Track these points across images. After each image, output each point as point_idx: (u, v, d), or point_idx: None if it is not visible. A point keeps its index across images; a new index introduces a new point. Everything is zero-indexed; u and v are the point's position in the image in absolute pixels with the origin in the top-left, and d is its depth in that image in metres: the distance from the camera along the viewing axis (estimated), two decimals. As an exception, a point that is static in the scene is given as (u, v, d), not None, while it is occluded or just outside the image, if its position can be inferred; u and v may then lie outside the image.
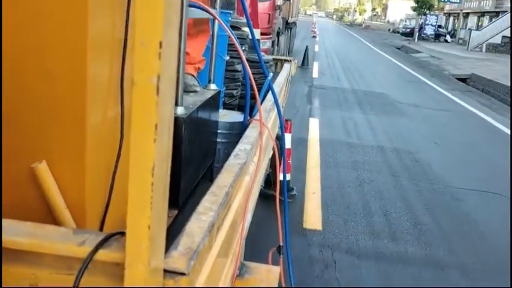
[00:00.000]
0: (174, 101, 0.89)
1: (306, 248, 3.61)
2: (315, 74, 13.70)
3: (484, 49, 28.87)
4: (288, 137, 4.22)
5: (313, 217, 4.13)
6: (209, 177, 2.16)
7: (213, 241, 1.17)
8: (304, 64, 14.74)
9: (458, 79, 15.83)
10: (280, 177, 2.62)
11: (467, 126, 8.64)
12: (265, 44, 8.67)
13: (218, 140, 2.32)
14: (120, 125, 1.24)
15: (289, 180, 4.41)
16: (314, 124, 7.46)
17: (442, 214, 4.47)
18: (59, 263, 0.91)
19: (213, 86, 2.29)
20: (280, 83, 3.32)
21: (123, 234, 0.92)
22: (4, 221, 0.92)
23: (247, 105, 2.37)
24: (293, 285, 1.92)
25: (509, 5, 29.96)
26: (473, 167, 6.10)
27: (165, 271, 0.92)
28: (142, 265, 0.83)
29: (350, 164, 5.73)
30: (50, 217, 1.12)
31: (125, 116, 1.24)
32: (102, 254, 0.88)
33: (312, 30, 34.64)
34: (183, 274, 0.92)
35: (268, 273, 1.96)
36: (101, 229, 1.22)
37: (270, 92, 2.50)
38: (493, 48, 28.87)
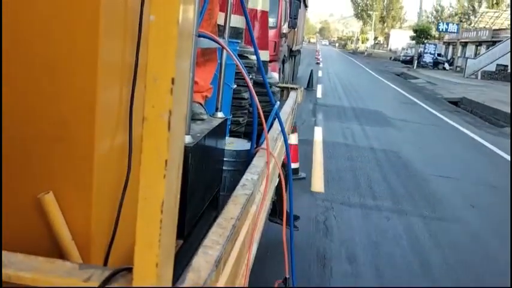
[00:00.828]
0: (184, 135, 0.87)
1: (312, 201, 5.19)
2: (319, 95, 15.27)
3: (479, 76, 29.11)
4: (295, 136, 5.57)
5: (318, 185, 5.72)
6: (215, 205, 2.13)
7: (220, 275, 1.13)
8: (309, 86, 15.95)
9: (450, 102, 16.50)
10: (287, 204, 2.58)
11: (448, 136, 10.15)
12: (271, 72, 8.73)
13: (224, 167, 2.29)
14: (128, 153, 1.22)
15: (297, 168, 5.80)
16: (318, 131, 9.11)
17: (413, 188, 5.98)
18: (64, 299, 0.88)
19: (220, 114, 2.27)
20: (286, 112, 3.31)
21: (129, 270, 0.88)
22: (8, 254, 0.89)
23: (254, 134, 2.34)
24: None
25: (507, 35, 30.29)
26: (445, 163, 7.57)
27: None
28: (149, 305, 0.80)
29: (346, 157, 7.33)
30: (55, 248, 1.09)
31: (133, 146, 1.22)
32: (108, 291, 0.84)
33: (315, 57, 34.95)
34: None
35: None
36: (106, 261, 1.19)
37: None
38: (488, 76, 29.14)
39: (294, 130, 5.22)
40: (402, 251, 4.14)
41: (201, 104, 2.24)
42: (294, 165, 5.55)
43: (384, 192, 5.72)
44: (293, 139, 5.47)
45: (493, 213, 5.45)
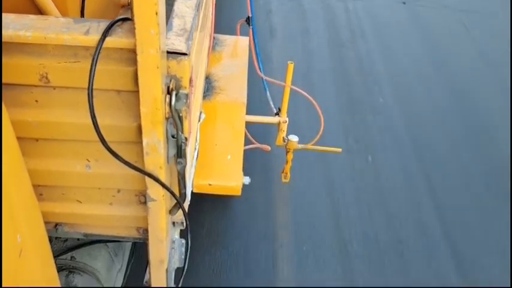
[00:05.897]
0: None
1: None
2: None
3: None
4: None
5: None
6: None
7: (199, 20, 1.17)
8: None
9: None
10: None
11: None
12: None
13: None
14: None
15: None
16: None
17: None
18: (65, 52, 0.91)
19: None
20: None
21: (125, 20, 0.91)
22: (4, 16, 0.87)
23: None
24: (258, 51, 1.98)
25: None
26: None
27: (168, 53, 0.94)
28: (154, 50, 0.85)
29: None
30: (34, 8, 1.06)
31: None
32: (110, 42, 0.87)
33: None
34: (184, 54, 0.96)
35: (237, 43, 2.01)
36: (82, 13, 1.18)
37: None
38: None
39: None
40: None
41: None
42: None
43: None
44: None
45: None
